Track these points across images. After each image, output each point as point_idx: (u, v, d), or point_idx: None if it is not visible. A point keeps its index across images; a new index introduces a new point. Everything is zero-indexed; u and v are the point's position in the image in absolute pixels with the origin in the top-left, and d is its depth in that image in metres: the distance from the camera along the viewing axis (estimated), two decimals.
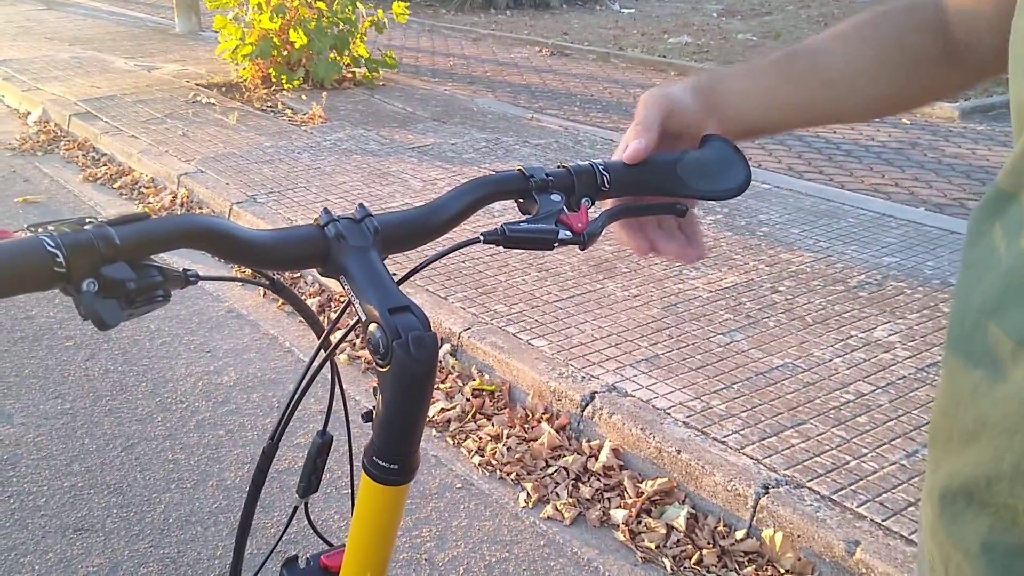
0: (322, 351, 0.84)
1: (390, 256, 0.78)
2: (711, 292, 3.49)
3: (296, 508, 0.92)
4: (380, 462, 0.73)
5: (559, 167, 0.86)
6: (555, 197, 0.84)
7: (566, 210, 0.83)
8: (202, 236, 0.68)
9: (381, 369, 0.70)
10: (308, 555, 0.91)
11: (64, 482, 2.54)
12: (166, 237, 0.65)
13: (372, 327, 0.70)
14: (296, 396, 0.84)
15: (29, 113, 6.77)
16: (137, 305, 0.64)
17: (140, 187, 5.13)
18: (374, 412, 0.73)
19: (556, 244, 0.82)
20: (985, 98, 6.64)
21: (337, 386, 0.91)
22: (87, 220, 0.63)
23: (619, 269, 3.70)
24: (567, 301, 3.41)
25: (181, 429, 2.82)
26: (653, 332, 3.17)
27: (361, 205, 0.78)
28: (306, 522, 0.97)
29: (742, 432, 2.57)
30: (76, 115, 6.29)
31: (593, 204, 0.87)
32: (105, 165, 5.54)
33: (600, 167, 0.86)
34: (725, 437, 2.54)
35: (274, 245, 0.73)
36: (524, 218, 0.84)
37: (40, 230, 0.62)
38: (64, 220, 0.63)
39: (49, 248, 0.59)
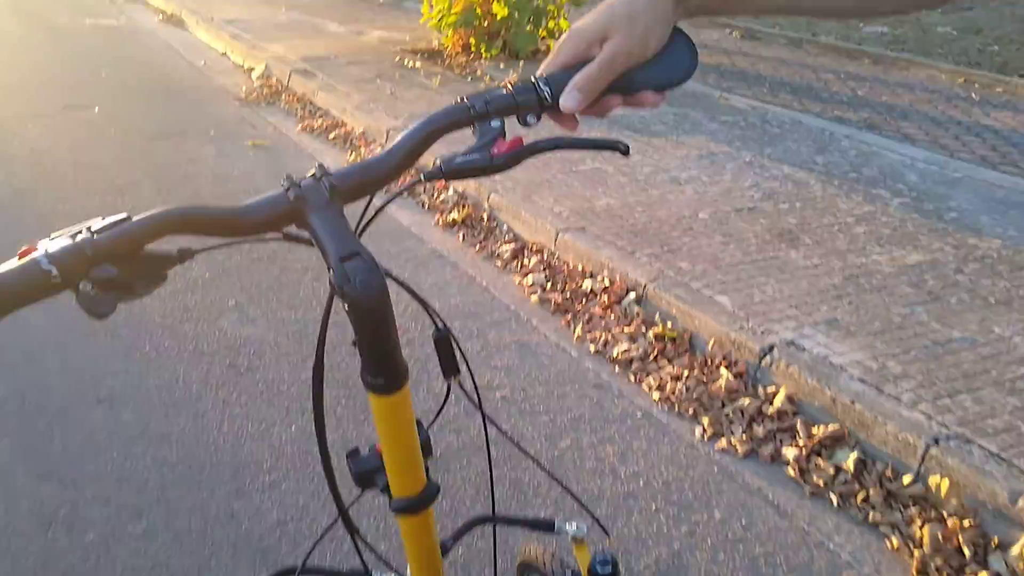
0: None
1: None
2: (894, 268, 3.58)
3: (449, 387, 1.02)
4: (369, 377, 0.89)
5: (504, 90, 0.89)
6: (495, 123, 0.89)
7: (505, 136, 0.89)
8: (180, 223, 0.78)
9: (345, 306, 0.81)
10: (368, 446, 1.03)
11: (300, 375, 2.96)
12: (145, 232, 0.76)
13: (330, 273, 0.80)
14: (324, 326, 0.93)
15: (252, 69, 7.45)
16: (135, 290, 0.77)
17: (352, 139, 5.62)
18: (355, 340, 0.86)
19: (482, 172, 0.89)
20: None
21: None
22: (78, 232, 0.74)
23: (802, 240, 3.83)
24: (749, 265, 3.58)
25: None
26: (833, 299, 3.30)
27: (320, 164, 0.85)
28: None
29: (916, 391, 2.69)
30: (295, 72, 6.89)
31: (539, 120, 0.91)
32: (321, 117, 6.08)
33: (541, 82, 0.88)
34: (899, 394, 2.68)
35: (245, 215, 0.82)
36: (469, 147, 0.90)
37: (41, 247, 0.72)
38: (62, 231, 0.74)
39: (44, 267, 0.71)
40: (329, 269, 0.81)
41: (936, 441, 2.46)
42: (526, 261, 3.88)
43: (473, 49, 7.31)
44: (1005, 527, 2.27)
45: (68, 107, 6.20)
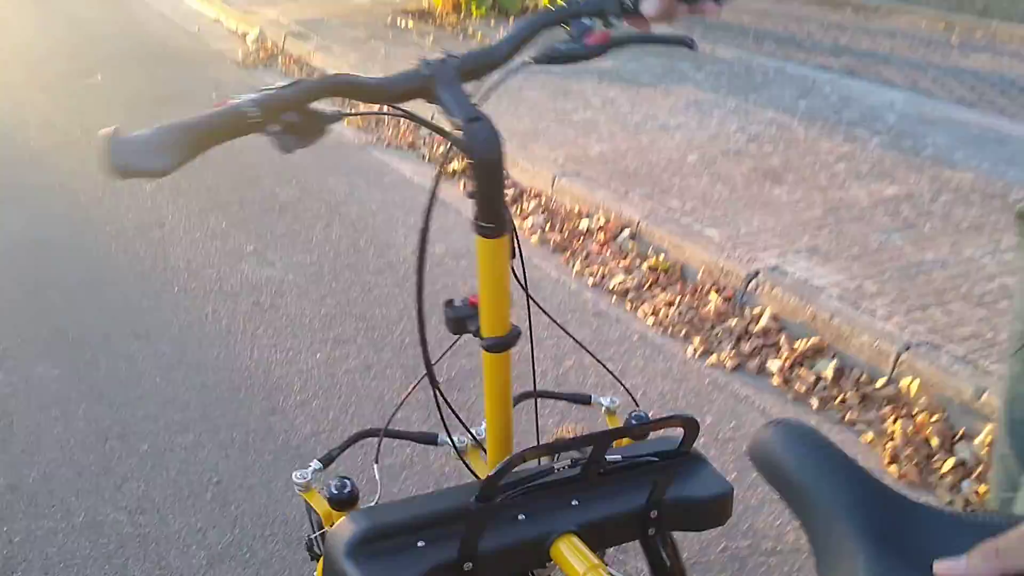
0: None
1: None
2: (872, 200, 3.81)
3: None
4: (480, 223, 1.05)
5: None
6: (586, 20, 1.10)
7: (595, 29, 1.09)
8: (339, 88, 0.98)
9: (469, 161, 0.98)
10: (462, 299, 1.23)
11: (320, 310, 3.18)
12: (315, 90, 0.96)
13: (458, 133, 0.98)
14: (431, 198, 1.11)
15: (247, 33, 7.58)
16: (307, 137, 0.97)
17: None
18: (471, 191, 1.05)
19: (579, 58, 1.09)
20: None
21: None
22: (265, 88, 0.95)
23: (786, 178, 4.05)
24: (736, 201, 3.80)
25: (406, 281, 3.42)
26: (815, 229, 3.53)
27: (447, 51, 1.04)
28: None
29: (890, 306, 2.93)
30: (291, 35, 7.04)
31: (619, 20, 1.10)
32: None
33: None
34: (874, 309, 2.92)
35: (389, 85, 1.02)
36: (565, 39, 1.11)
37: (240, 98, 0.94)
38: (255, 89, 0.94)
39: (249, 110, 0.93)
40: (448, 139, 1.00)
41: (907, 348, 2.70)
42: (525, 205, 4.09)
43: (463, 8, 7.46)
44: (971, 420, 2.51)
45: (70, 74, 6.35)
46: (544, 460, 1.29)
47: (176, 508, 2.20)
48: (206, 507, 2.21)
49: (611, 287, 3.36)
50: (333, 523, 1.36)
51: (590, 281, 3.42)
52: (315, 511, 1.38)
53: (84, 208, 4.04)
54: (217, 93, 5.92)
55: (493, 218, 1.06)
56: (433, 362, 1.24)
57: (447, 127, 1.00)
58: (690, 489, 1.26)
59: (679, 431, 1.15)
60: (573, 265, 3.54)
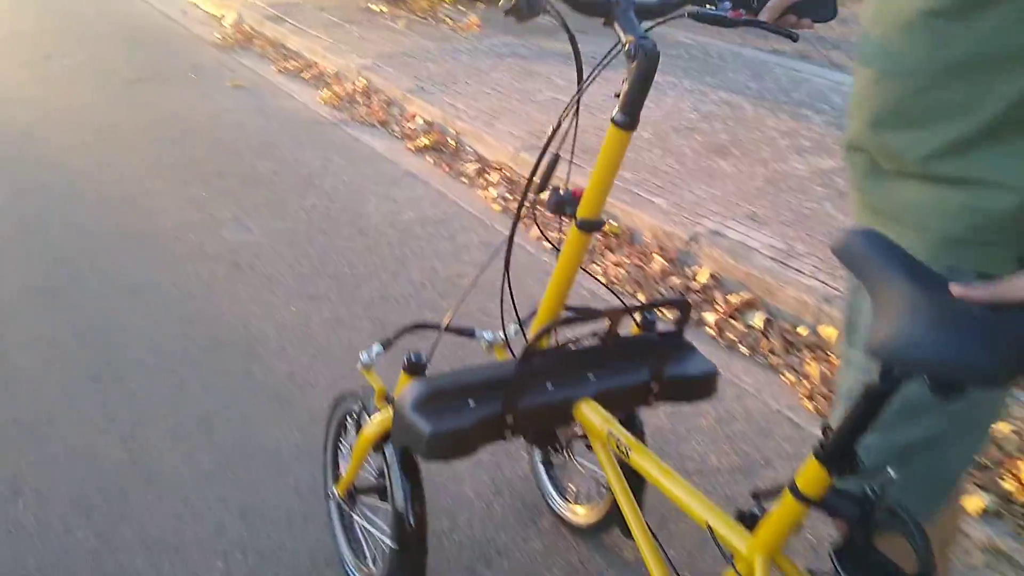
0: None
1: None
2: (810, 172, 4.10)
3: (532, 206, 1.66)
4: (623, 114, 1.38)
5: None
6: (725, 3, 1.44)
7: (731, 8, 1.45)
8: None
9: (631, 64, 1.35)
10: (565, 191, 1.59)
11: (295, 270, 3.43)
12: None
13: (629, 44, 1.36)
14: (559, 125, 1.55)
15: (223, 16, 7.78)
16: (531, 14, 1.42)
17: (325, 77, 6.03)
18: (621, 91, 1.39)
19: (720, 23, 1.44)
20: None
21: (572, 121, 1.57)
22: None
23: (732, 152, 4.34)
24: (684, 173, 4.09)
25: (376, 245, 3.67)
26: (754, 197, 3.82)
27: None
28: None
29: (816, 266, 3.22)
30: (267, 18, 7.25)
31: (745, 12, 1.46)
32: (294, 60, 6.47)
33: None
34: (801, 267, 3.21)
35: (588, 2, 1.42)
36: (710, 7, 1.47)
37: None
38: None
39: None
40: (625, 46, 1.37)
41: (828, 300, 2.99)
42: (489, 177, 4.36)
43: None
44: None
45: (52, 56, 6.53)
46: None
47: (165, 438, 2.46)
48: (193, 436, 2.46)
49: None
50: (386, 395, 1.77)
51: (547, 245, 3.69)
52: (369, 385, 1.80)
53: (71, 179, 4.26)
54: (196, 74, 6.14)
55: (634, 113, 1.39)
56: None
57: (623, 38, 1.38)
58: (683, 368, 1.70)
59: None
60: (532, 231, 3.81)
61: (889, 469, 1.09)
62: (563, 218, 1.61)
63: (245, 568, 2.02)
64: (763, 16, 1.44)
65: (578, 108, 1.58)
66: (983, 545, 2.16)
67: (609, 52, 1.44)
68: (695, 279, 3.34)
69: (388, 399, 1.76)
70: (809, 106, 5.05)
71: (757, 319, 3.08)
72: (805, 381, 2.80)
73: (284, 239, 3.70)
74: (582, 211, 1.53)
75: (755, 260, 3.27)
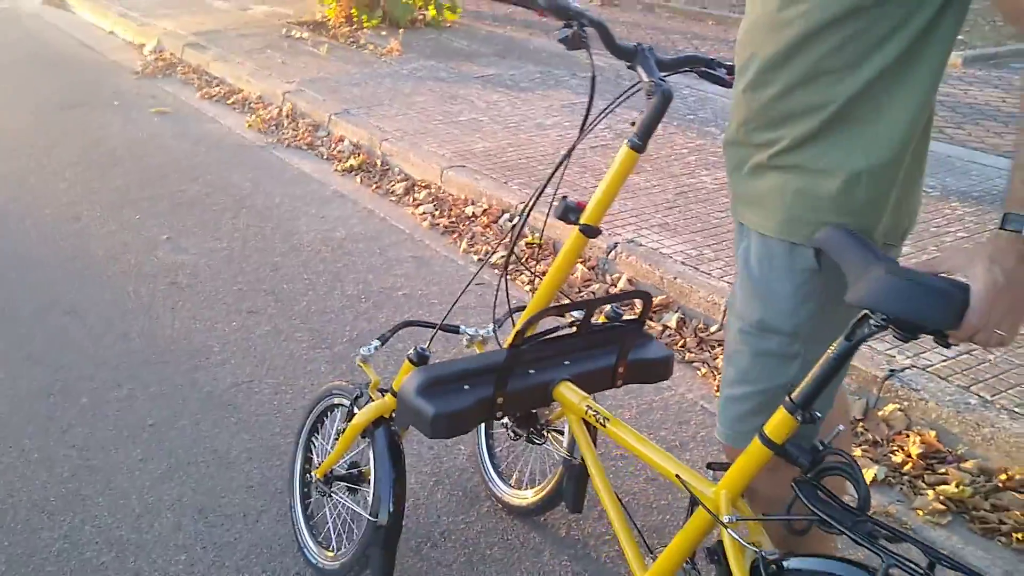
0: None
1: None
2: (717, 185, 4.40)
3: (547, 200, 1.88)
4: (637, 139, 1.68)
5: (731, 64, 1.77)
6: (722, 70, 1.81)
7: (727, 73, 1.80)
8: (593, 22, 1.68)
9: (650, 99, 1.66)
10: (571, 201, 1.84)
11: (232, 287, 3.56)
12: (580, 14, 1.67)
13: (650, 84, 1.67)
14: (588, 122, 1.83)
15: (144, 44, 7.81)
16: (575, 44, 1.71)
17: (250, 103, 6.14)
18: (638, 121, 1.68)
19: (717, 83, 1.84)
20: (990, 47, 7.37)
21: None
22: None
23: (645, 168, 4.62)
24: None
25: (310, 262, 3.82)
26: (666, 209, 4.09)
27: (651, 46, 1.76)
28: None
29: (723, 269, 3.50)
30: (188, 45, 7.32)
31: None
32: (218, 86, 6.57)
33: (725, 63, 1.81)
34: (711, 271, 3.48)
35: (613, 40, 1.73)
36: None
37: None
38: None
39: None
40: (647, 84, 1.69)
41: None
42: (417, 195, 4.54)
43: (355, 19, 7.87)
44: None
45: None
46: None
47: (118, 445, 2.57)
48: (144, 443, 2.58)
49: (493, 261, 3.84)
50: (381, 388, 2.00)
51: (475, 257, 3.89)
52: (368, 377, 2.03)
53: (2, 205, 4.29)
54: (119, 101, 6.19)
55: (646, 139, 1.69)
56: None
57: (645, 79, 1.70)
58: (644, 353, 1.96)
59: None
60: (460, 245, 4.01)
61: (840, 427, 1.33)
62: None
63: (207, 560, 2.15)
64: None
65: (574, 145, 1.89)
66: (875, 510, 2.42)
67: (627, 90, 1.76)
68: (614, 284, 3.58)
69: (383, 389, 1.97)
70: (715, 124, 5.38)
71: (672, 319, 3.33)
72: (718, 374, 3.05)
73: (220, 257, 3.82)
74: (586, 218, 1.80)
75: (668, 265, 3.52)
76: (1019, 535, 2.31)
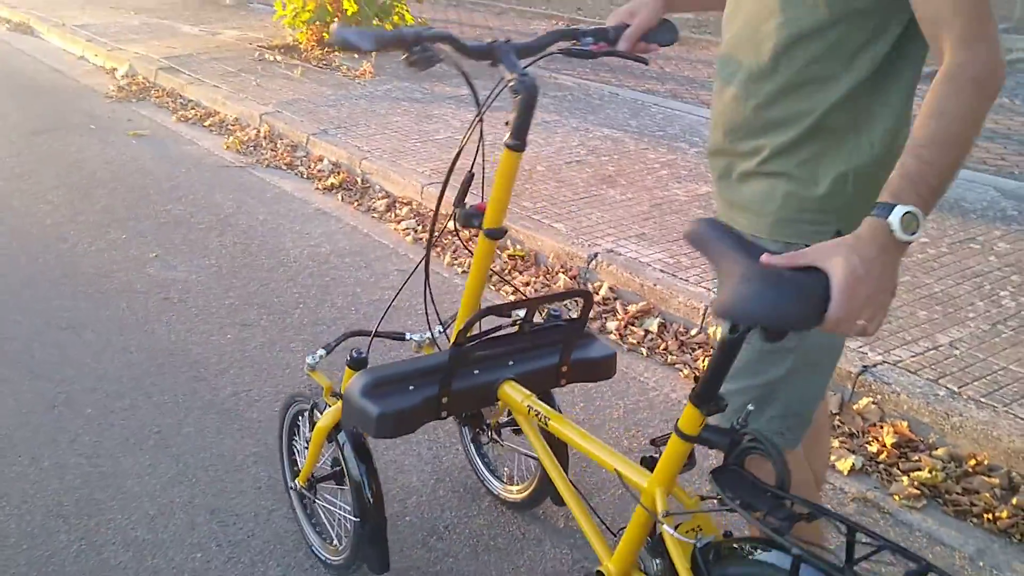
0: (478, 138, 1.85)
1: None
2: (688, 197, 4.56)
3: (454, 216, 1.95)
4: (514, 140, 1.75)
5: (595, 29, 1.80)
6: (587, 39, 1.80)
7: (593, 42, 1.80)
8: (447, 39, 1.67)
9: (516, 97, 1.70)
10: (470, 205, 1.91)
11: (224, 301, 3.64)
12: (436, 36, 1.64)
13: (513, 82, 1.69)
14: (461, 148, 1.87)
15: (116, 69, 7.85)
16: (428, 65, 1.64)
17: (227, 125, 6.22)
18: (510, 120, 1.73)
19: (588, 56, 1.80)
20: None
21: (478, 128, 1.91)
22: (412, 27, 1.67)
23: (619, 182, 4.77)
24: (579, 201, 4.49)
25: (298, 276, 3.91)
26: (642, 220, 4.25)
27: (508, 39, 1.77)
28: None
29: (700, 275, 3.64)
30: (162, 69, 7.38)
31: (604, 44, 1.81)
32: (193, 109, 6.63)
33: (611, 29, 1.79)
34: (688, 278, 3.62)
35: (473, 46, 1.70)
36: (576, 46, 1.81)
37: (402, 30, 1.63)
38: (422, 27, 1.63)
39: (406, 35, 1.61)
40: (509, 81, 1.68)
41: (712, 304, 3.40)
42: (398, 212, 4.65)
43: (327, 43, 7.98)
44: None
45: None
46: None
47: (126, 452, 2.64)
48: (151, 450, 2.66)
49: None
50: (335, 392, 2.03)
51: (459, 269, 4.01)
52: (317, 384, 2.09)
53: None
54: (95, 125, 6.23)
55: (520, 138, 1.74)
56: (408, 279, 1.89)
57: (508, 76, 1.69)
58: (587, 352, 2.01)
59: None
60: (444, 258, 4.12)
61: (750, 406, 1.41)
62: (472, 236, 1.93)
63: (222, 556, 2.23)
64: (621, 46, 1.78)
65: (482, 134, 1.90)
66: (854, 496, 2.57)
67: (495, 87, 1.75)
68: (597, 293, 3.72)
69: (335, 394, 2.02)
70: (684, 139, 5.56)
71: (653, 324, 3.46)
72: (698, 374, 3.18)
73: (209, 274, 3.90)
74: (487, 222, 1.87)
75: (648, 273, 3.67)
76: (989, 515, 2.46)
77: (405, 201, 4.74)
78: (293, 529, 2.31)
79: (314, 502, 2.21)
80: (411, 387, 1.79)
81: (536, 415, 1.76)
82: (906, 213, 1.17)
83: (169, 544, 2.27)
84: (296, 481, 2.20)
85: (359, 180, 5.08)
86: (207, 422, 2.80)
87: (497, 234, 1.89)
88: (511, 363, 1.87)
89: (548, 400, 2.13)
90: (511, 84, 1.68)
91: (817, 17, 1.38)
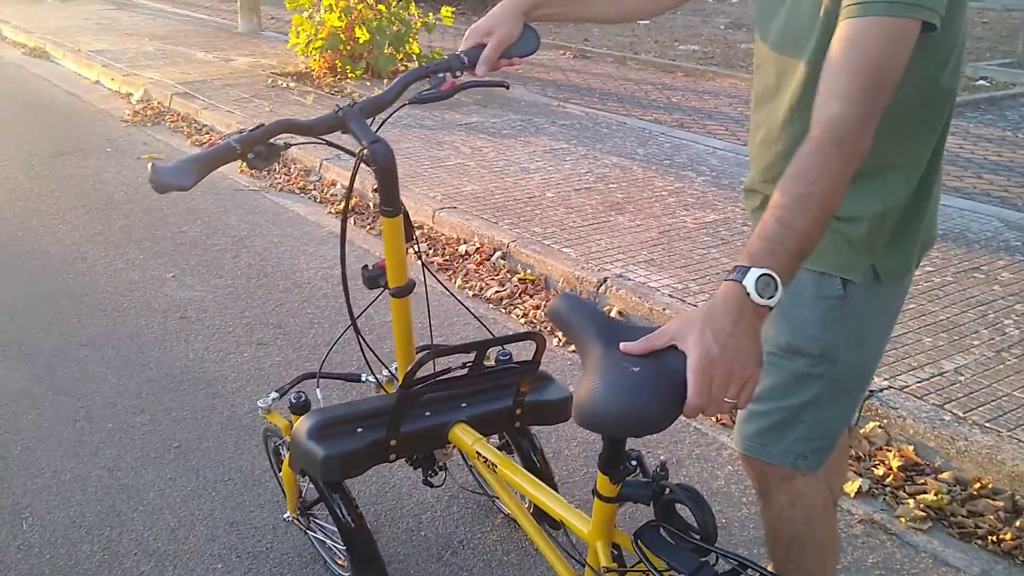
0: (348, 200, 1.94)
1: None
2: (696, 224, 4.64)
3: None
4: (384, 207, 1.71)
5: (447, 59, 1.70)
6: (440, 75, 1.71)
7: (447, 80, 1.72)
8: (286, 127, 1.59)
9: (373, 166, 1.61)
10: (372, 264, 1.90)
11: (241, 321, 3.70)
12: (274, 130, 1.55)
13: (366, 151, 1.62)
14: (348, 196, 1.89)
15: (131, 94, 7.98)
16: (269, 160, 1.58)
17: None
18: (376, 187, 1.71)
19: (439, 99, 1.70)
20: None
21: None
22: (236, 134, 1.54)
23: (627, 209, 4.85)
24: (587, 227, 4.56)
25: (313, 297, 3.98)
26: (651, 246, 4.32)
27: (351, 97, 1.81)
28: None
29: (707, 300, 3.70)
30: (176, 94, 7.50)
31: (462, 74, 1.72)
32: (208, 133, 6.74)
33: (463, 55, 1.69)
34: (696, 303, 3.69)
35: (316, 124, 1.63)
36: (428, 87, 1.71)
37: (227, 138, 1.55)
38: (228, 135, 1.55)
39: (233, 144, 1.51)
40: (361, 152, 1.64)
41: None
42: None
43: (339, 70, 8.11)
44: None
45: None
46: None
47: (147, 465, 2.70)
48: (172, 464, 2.71)
49: (488, 297, 4.02)
50: (292, 428, 2.00)
51: (470, 293, 4.07)
52: (275, 424, 2.10)
53: (8, 247, 4.41)
54: (111, 148, 6.34)
55: (391, 204, 1.72)
56: (357, 315, 1.89)
57: (361, 146, 1.65)
58: (542, 395, 1.99)
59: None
60: (455, 281, 4.19)
61: (661, 456, 1.42)
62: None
63: (242, 568, 2.28)
64: (479, 71, 1.72)
65: (347, 205, 1.90)
66: (861, 518, 2.61)
67: (355, 162, 1.72)
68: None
69: None
70: (691, 168, 5.64)
71: None
72: None
73: (226, 294, 3.97)
74: (391, 282, 1.86)
75: (657, 298, 3.73)
76: (993, 537, 2.51)
77: (417, 225, 4.81)
78: (310, 542, 2.36)
79: (308, 528, 2.26)
80: (360, 429, 1.77)
81: (484, 460, 1.74)
82: (761, 276, 1.11)
83: (189, 555, 2.32)
84: (288, 514, 2.27)
85: (371, 204, 5.16)
86: (226, 437, 2.86)
87: (403, 292, 1.87)
88: (463, 405, 1.87)
89: (525, 437, 2.12)
90: (363, 155, 1.64)
91: None
